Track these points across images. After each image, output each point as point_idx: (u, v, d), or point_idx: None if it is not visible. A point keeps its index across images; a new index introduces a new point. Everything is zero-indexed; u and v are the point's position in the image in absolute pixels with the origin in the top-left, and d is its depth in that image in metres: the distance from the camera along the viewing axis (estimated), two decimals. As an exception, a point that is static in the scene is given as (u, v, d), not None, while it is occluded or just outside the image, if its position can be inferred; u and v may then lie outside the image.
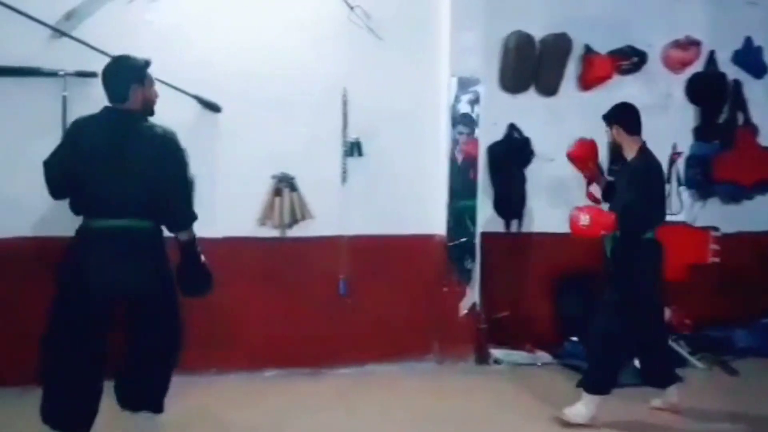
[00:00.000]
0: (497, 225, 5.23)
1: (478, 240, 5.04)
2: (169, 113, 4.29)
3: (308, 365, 4.65)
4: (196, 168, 4.34)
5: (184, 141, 4.29)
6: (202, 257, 3.39)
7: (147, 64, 3.30)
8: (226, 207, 4.49)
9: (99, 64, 4.13)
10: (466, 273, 4.99)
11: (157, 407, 3.31)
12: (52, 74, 4.12)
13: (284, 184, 4.59)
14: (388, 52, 4.78)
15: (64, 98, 4.15)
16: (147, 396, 3.31)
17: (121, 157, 3.09)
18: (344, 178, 4.77)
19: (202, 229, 4.39)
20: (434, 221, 4.99)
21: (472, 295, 5.01)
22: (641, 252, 3.92)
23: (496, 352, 5.01)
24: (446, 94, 4.94)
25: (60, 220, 4.18)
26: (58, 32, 4.13)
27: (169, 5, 4.36)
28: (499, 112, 5.15)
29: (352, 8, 4.60)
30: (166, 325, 3.27)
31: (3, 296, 4.19)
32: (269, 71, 4.53)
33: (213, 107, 4.34)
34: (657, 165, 4.07)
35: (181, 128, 4.29)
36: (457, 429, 3.85)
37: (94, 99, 4.16)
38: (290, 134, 4.56)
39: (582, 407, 3.83)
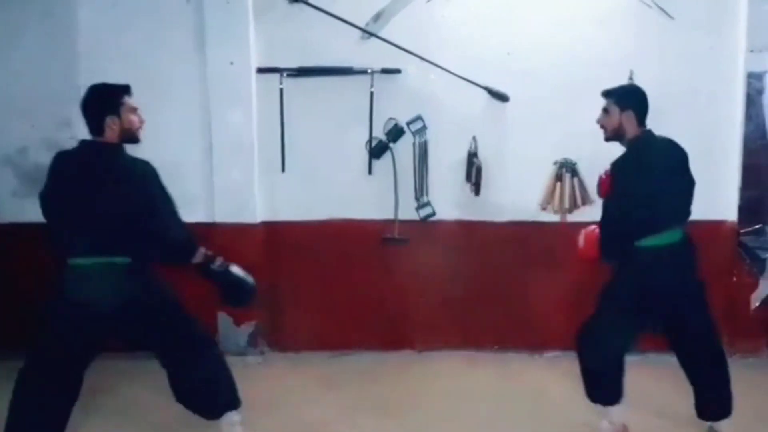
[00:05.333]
0: (798, 211, 4.80)
1: (775, 227, 4.70)
2: (461, 104, 4.70)
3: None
4: (484, 154, 4.70)
5: (475, 131, 4.70)
6: (233, 268, 3.34)
7: (123, 91, 3.14)
8: (511, 192, 4.75)
9: (402, 61, 4.63)
10: (760, 263, 4.69)
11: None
12: (362, 72, 4.62)
13: (566, 169, 4.67)
14: (678, 31, 4.60)
15: (372, 93, 4.65)
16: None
17: (94, 194, 3.01)
18: (626, 162, 4.72)
19: (488, 213, 4.74)
20: (724, 207, 4.74)
21: (766, 286, 4.71)
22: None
23: (793, 350, 4.68)
24: (743, 70, 4.63)
25: (361, 204, 4.80)
26: (368, 33, 4.61)
27: (464, 1, 4.62)
28: (805, 89, 4.69)
29: (643, -10, 4.49)
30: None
31: (317, 271, 4.89)
32: (556, 59, 4.62)
33: (502, 97, 4.55)
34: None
35: (472, 118, 4.70)
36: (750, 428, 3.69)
37: (396, 93, 4.69)
38: (574, 120, 4.59)
39: None
